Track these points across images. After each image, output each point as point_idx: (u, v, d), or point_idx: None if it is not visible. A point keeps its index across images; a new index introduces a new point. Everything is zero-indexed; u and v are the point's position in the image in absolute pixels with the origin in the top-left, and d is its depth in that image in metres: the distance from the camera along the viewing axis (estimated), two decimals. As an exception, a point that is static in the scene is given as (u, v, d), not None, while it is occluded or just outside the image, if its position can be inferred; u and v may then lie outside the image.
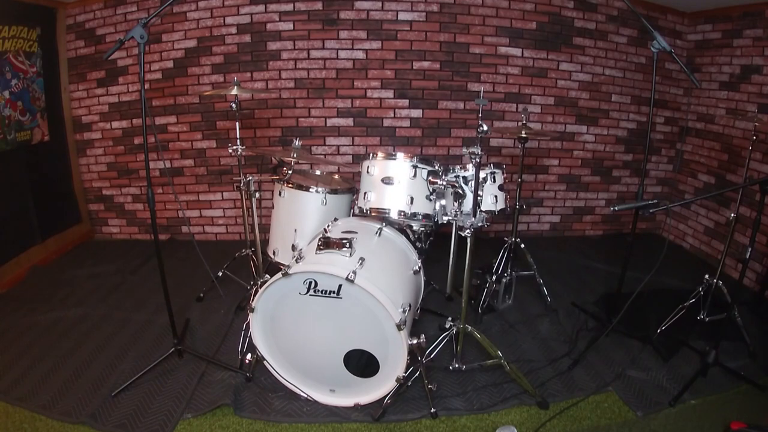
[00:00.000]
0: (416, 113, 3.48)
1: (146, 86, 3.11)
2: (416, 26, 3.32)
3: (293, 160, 2.17)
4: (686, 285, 2.59)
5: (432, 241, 2.47)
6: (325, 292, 1.68)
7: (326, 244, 1.79)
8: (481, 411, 1.85)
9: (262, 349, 1.87)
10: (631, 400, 1.90)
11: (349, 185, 2.48)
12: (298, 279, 1.68)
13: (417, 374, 1.84)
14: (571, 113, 3.58)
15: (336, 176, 2.74)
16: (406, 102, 3.46)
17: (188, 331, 2.37)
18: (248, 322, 1.85)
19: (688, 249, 3.60)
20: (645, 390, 1.96)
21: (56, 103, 3.37)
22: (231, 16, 3.27)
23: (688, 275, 2.86)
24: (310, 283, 1.68)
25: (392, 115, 3.48)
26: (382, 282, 1.70)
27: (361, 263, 1.69)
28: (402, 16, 3.30)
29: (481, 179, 1.89)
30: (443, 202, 2.03)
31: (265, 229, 2.61)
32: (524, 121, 2.46)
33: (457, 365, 1.98)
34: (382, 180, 1.98)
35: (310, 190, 2.26)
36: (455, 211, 1.92)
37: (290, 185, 2.28)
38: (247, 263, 2.68)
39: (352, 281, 1.59)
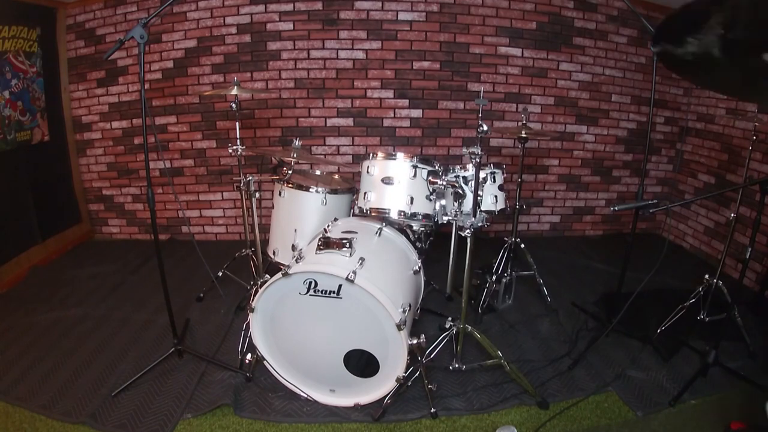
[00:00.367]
0: (416, 113, 3.48)
1: (146, 86, 3.11)
2: (416, 26, 3.32)
3: (293, 160, 2.17)
4: (686, 285, 2.59)
5: (432, 241, 2.47)
6: (325, 292, 1.68)
7: (326, 244, 1.79)
8: (481, 411, 1.85)
9: (262, 349, 1.87)
10: (631, 400, 1.90)
11: (349, 185, 2.48)
12: (298, 279, 1.68)
13: (417, 374, 1.84)
14: (571, 113, 3.58)
15: (336, 176, 2.74)
16: (406, 102, 3.46)
17: (188, 331, 2.37)
18: (248, 322, 1.85)
19: (688, 249, 3.60)
20: (645, 390, 1.96)
21: (56, 103, 3.37)
22: (231, 16, 3.27)
23: (688, 275, 2.87)
24: (310, 283, 1.68)
25: (392, 115, 3.48)
26: (382, 282, 1.70)
27: (361, 263, 1.69)
28: (402, 16, 3.30)
29: (481, 179, 1.89)
30: (443, 202, 2.03)
31: (265, 229, 2.61)
32: (524, 121, 2.46)
33: (457, 365, 1.98)
34: (382, 180, 1.98)
35: (310, 190, 2.26)
36: (455, 211, 1.92)
37: (290, 185, 2.28)
38: (247, 263, 2.68)
39: (352, 281, 1.59)
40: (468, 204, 2.02)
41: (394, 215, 1.97)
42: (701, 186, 3.52)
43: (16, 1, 2.90)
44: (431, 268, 2.59)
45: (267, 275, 2.25)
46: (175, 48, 3.33)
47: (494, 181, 2.29)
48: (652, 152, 3.74)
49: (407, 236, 2.21)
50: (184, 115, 3.47)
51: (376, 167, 2.01)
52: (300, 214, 2.27)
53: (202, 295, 2.69)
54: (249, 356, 1.89)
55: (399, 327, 1.62)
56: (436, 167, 2.02)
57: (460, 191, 1.91)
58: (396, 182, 1.97)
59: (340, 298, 1.67)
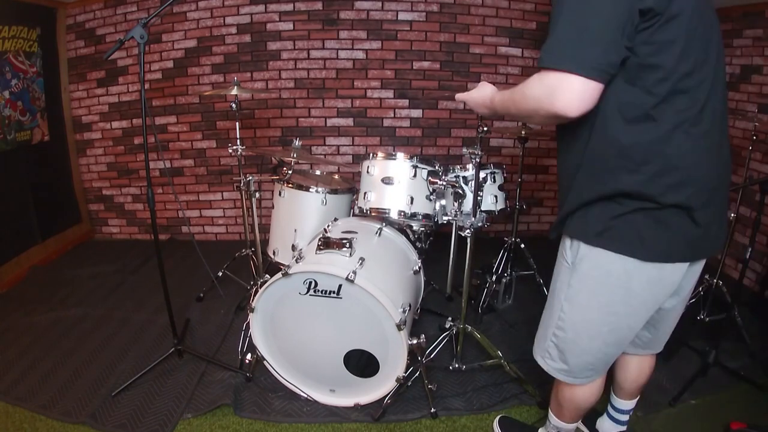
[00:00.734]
0: (416, 113, 3.48)
1: (146, 86, 3.10)
2: (416, 26, 3.32)
3: (293, 160, 2.17)
4: (686, 285, 2.58)
5: (432, 241, 2.47)
6: (325, 292, 1.68)
7: (326, 244, 1.79)
8: (481, 411, 1.85)
9: (262, 349, 1.87)
10: (631, 400, 1.90)
11: (349, 185, 2.48)
12: (298, 279, 1.68)
13: (417, 374, 1.84)
14: (571, 113, 3.57)
15: (336, 176, 2.74)
16: (406, 102, 3.46)
17: (188, 331, 2.37)
18: (248, 322, 1.85)
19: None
20: (645, 390, 1.95)
21: (56, 103, 3.37)
22: (231, 16, 3.27)
23: (688, 275, 2.86)
24: (310, 283, 1.68)
25: (392, 115, 3.48)
26: (382, 282, 1.70)
27: (361, 263, 1.69)
28: (402, 16, 3.30)
29: (481, 179, 1.89)
30: (443, 202, 2.03)
31: (265, 229, 2.61)
32: (524, 121, 2.46)
33: (457, 365, 1.98)
34: (382, 180, 1.98)
35: (310, 190, 2.26)
36: (455, 211, 1.91)
37: (290, 185, 2.28)
38: (247, 263, 2.68)
39: (352, 281, 1.59)
40: (468, 204, 2.01)
41: (394, 215, 1.97)
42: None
43: (16, 1, 2.90)
44: (431, 268, 2.59)
45: (267, 275, 2.25)
46: (175, 48, 3.33)
47: (494, 181, 2.29)
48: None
49: (407, 236, 2.21)
50: (184, 115, 3.47)
51: (376, 167, 2.01)
52: (300, 214, 2.27)
53: (202, 295, 2.69)
54: (249, 356, 1.89)
55: (399, 327, 1.62)
56: (436, 167, 2.03)
57: (460, 191, 1.91)
58: (396, 182, 1.96)
59: (340, 298, 1.67)
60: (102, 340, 2.30)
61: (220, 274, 2.73)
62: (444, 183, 1.97)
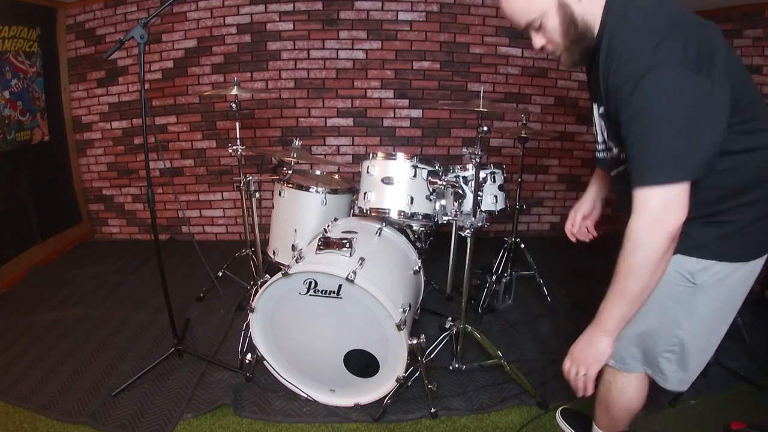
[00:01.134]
0: (416, 113, 3.48)
1: (146, 86, 3.10)
2: (416, 26, 3.32)
3: (293, 160, 2.17)
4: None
5: (432, 241, 2.47)
6: (325, 292, 1.68)
7: (326, 244, 1.79)
8: (481, 411, 1.85)
9: (262, 349, 1.86)
10: (631, 400, 1.90)
11: (349, 185, 2.48)
12: (298, 279, 1.68)
13: (417, 374, 1.84)
14: (571, 113, 3.58)
15: (336, 176, 2.74)
16: (406, 102, 3.46)
17: (188, 331, 2.37)
18: (248, 322, 1.85)
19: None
20: (645, 390, 1.96)
21: (56, 103, 3.37)
22: (231, 16, 3.27)
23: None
24: (310, 283, 1.68)
25: (392, 115, 3.48)
26: (382, 282, 1.70)
27: (361, 263, 1.69)
28: (402, 16, 3.30)
29: (481, 179, 1.89)
30: (443, 202, 2.03)
31: (265, 229, 2.61)
32: (524, 121, 2.46)
33: (457, 365, 1.98)
34: (382, 180, 1.98)
35: (310, 190, 2.26)
36: (455, 211, 1.92)
37: (290, 185, 2.28)
38: (247, 263, 2.68)
39: (352, 281, 1.59)
40: (468, 204, 2.02)
41: (394, 215, 1.97)
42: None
43: (16, 1, 2.90)
44: (431, 268, 2.59)
45: (267, 275, 2.25)
46: (175, 48, 3.33)
47: (494, 181, 2.29)
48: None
49: (407, 236, 2.21)
50: (184, 115, 3.47)
51: (376, 167, 2.01)
52: (300, 214, 2.27)
53: (202, 295, 2.69)
54: (249, 356, 1.89)
55: (399, 327, 1.62)
56: (436, 167, 2.03)
57: (460, 191, 1.91)
58: (396, 182, 1.96)
59: (340, 298, 1.67)
60: (102, 340, 2.30)
61: (220, 274, 2.73)
62: (444, 183, 1.98)
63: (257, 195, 2.22)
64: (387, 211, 1.97)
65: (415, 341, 1.71)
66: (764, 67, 2.91)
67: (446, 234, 2.41)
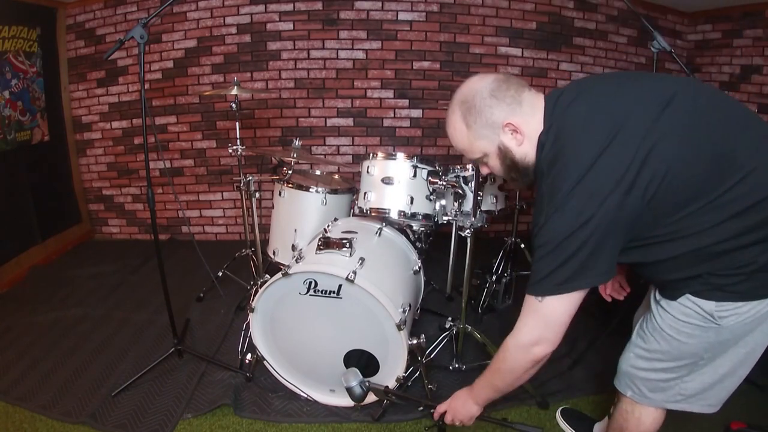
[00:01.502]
0: (416, 113, 3.49)
1: (146, 86, 3.11)
2: (416, 26, 3.32)
3: (293, 160, 2.17)
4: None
5: (432, 241, 2.47)
6: (325, 292, 1.68)
7: (326, 244, 1.79)
8: (481, 411, 1.84)
9: (262, 349, 1.86)
10: (631, 400, 1.90)
11: (349, 185, 2.48)
12: (298, 279, 1.68)
13: (417, 374, 1.84)
14: (571, 113, 3.57)
15: (336, 176, 2.74)
16: (406, 102, 3.46)
17: (188, 331, 2.37)
18: (248, 322, 1.85)
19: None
20: (645, 390, 1.96)
21: (56, 103, 3.37)
22: (231, 16, 3.27)
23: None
24: (310, 283, 1.68)
25: (392, 115, 3.49)
26: (382, 282, 1.70)
27: (361, 263, 1.69)
28: (402, 16, 3.31)
29: (481, 179, 1.89)
30: (443, 202, 2.03)
31: (265, 229, 2.61)
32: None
33: (457, 365, 1.98)
34: (382, 180, 1.98)
35: (310, 190, 2.26)
36: (455, 211, 1.92)
37: (290, 185, 2.28)
38: (247, 263, 2.68)
39: (352, 281, 1.59)
40: (468, 204, 2.02)
41: (394, 215, 1.97)
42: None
43: (16, 1, 2.90)
44: (431, 268, 2.59)
45: (267, 275, 2.25)
46: (175, 48, 3.34)
47: (494, 181, 2.29)
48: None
49: (407, 236, 2.21)
50: (184, 115, 3.47)
51: (376, 167, 2.01)
52: (300, 214, 2.27)
53: (202, 295, 2.69)
54: (249, 356, 1.89)
55: (399, 327, 1.62)
56: (436, 167, 2.03)
57: (460, 191, 1.91)
58: (396, 182, 1.97)
59: (340, 298, 1.67)
60: (102, 340, 2.30)
61: (220, 274, 2.73)
62: (444, 183, 1.98)
63: (257, 195, 2.22)
64: (387, 211, 1.97)
65: (415, 341, 1.71)
66: (764, 67, 2.91)
67: (446, 234, 2.41)
